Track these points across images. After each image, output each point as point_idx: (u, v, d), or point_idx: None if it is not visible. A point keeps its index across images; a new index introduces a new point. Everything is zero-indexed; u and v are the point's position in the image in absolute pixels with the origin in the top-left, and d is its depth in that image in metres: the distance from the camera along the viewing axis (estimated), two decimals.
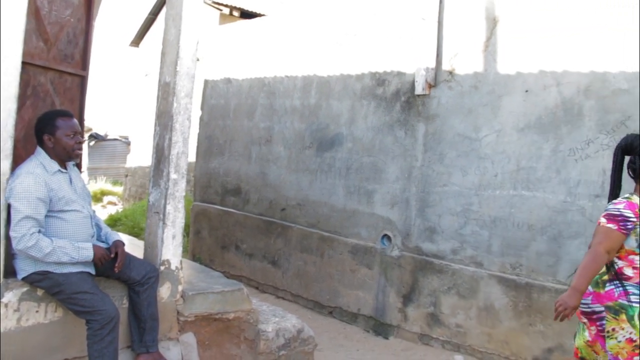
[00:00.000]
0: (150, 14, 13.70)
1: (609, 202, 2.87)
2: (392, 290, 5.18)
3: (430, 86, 5.01)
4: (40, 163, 2.91)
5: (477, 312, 4.65)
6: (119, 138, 23.46)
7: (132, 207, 11.73)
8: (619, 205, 2.72)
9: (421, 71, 5.03)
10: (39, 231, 2.79)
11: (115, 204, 14.83)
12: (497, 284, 4.54)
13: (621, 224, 2.65)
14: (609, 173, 3.98)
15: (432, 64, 4.99)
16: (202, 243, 7.45)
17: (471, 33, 4.78)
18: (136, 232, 8.23)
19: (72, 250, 2.86)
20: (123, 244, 3.15)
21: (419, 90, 5.04)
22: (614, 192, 2.92)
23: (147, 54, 14.03)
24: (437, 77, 4.99)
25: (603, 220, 2.71)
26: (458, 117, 4.82)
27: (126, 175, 14.93)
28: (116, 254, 3.07)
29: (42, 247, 2.75)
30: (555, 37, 4.32)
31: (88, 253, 2.93)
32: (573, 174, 4.21)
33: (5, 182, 2.79)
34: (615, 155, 2.93)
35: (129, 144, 18.10)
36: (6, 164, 2.79)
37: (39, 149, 2.97)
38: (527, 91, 4.46)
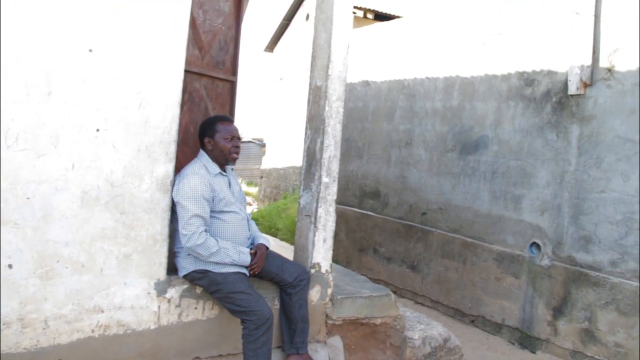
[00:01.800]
0: (284, 19, 14.05)
1: None
2: (541, 302, 4.90)
3: (586, 85, 4.68)
4: (203, 165, 3.03)
5: None
6: (253, 140, 24.35)
7: (267, 207, 12.08)
8: None
9: (575, 69, 4.71)
10: (205, 230, 2.91)
11: (250, 204, 15.40)
12: None
13: None
14: None
15: (588, 62, 4.66)
16: (339, 245, 7.50)
17: (633, 26, 4.39)
18: (272, 233, 8.45)
19: (234, 252, 2.96)
20: (266, 248, 3.20)
21: (572, 89, 4.73)
22: None
23: (281, 59, 14.42)
24: (594, 75, 4.65)
25: None
26: (618, 117, 4.45)
27: (261, 177, 15.44)
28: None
29: (209, 246, 2.87)
30: None
31: (247, 258, 3.01)
32: None
33: (169, 184, 2.93)
34: None
35: (263, 145, 18.71)
36: (170, 167, 2.93)
37: (202, 152, 3.11)
38: None
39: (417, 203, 6.31)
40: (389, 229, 6.68)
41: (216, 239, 2.92)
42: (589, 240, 4.58)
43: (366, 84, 7.33)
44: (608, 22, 4.59)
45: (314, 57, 3.56)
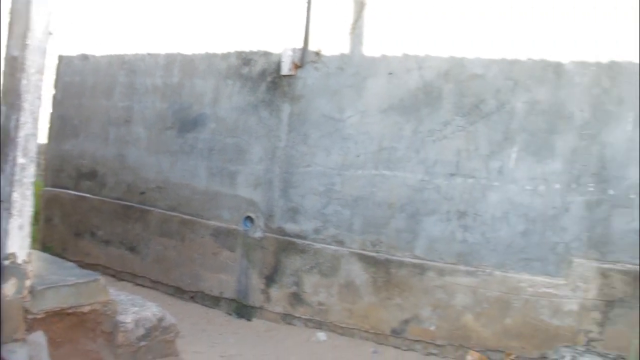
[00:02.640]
0: None
1: None
2: (255, 272, 5.12)
3: (297, 67, 5.01)
4: None
5: (338, 290, 4.72)
6: None
7: None
8: None
9: (288, 51, 5.01)
10: None
11: None
12: (357, 261, 4.64)
13: None
14: (463, 153, 4.28)
15: (300, 45, 5.00)
16: (54, 231, 6.90)
17: (339, 14, 4.84)
18: None
19: None
20: None
21: (285, 70, 5.02)
22: None
23: None
24: (304, 58, 5.00)
25: None
26: (323, 98, 4.86)
27: None
28: None
29: None
30: (419, 22, 4.50)
31: None
32: (431, 154, 4.40)
33: None
34: None
35: None
36: None
37: None
38: (390, 74, 4.60)
39: (135, 182, 6.11)
40: (107, 211, 6.35)
41: None
42: (297, 211, 4.93)
43: (85, 57, 6.86)
44: (318, 9, 4.97)
45: (10, 24, 3.18)
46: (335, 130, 4.78)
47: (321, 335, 4.69)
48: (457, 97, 4.33)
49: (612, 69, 3.92)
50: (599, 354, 3.86)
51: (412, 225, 4.46)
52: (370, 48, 4.69)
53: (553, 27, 4.08)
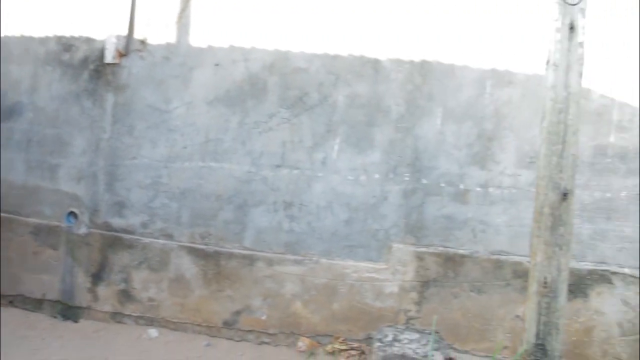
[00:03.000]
0: None
1: None
2: (81, 270, 4.86)
3: (121, 55, 4.79)
4: None
5: (168, 284, 4.62)
6: None
7: None
8: None
9: (112, 38, 4.77)
10: None
11: None
12: (187, 255, 4.57)
13: None
14: (288, 145, 4.36)
15: (124, 32, 4.79)
16: None
17: (166, 3, 4.69)
18: None
19: None
20: None
21: (108, 58, 4.78)
22: None
23: None
24: (129, 46, 4.79)
25: None
26: (149, 88, 4.70)
27: None
28: None
29: None
30: (245, 14, 4.48)
31: None
32: (257, 146, 4.43)
33: None
34: None
35: None
36: None
37: None
38: (217, 65, 4.55)
39: None
40: None
41: None
42: (123, 205, 4.74)
43: None
44: None
45: None
46: (161, 121, 4.65)
47: (152, 332, 4.57)
48: (282, 89, 4.39)
49: (424, 67, 4.19)
50: (417, 331, 4.14)
51: (240, 216, 4.47)
52: (197, 38, 4.61)
53: (372, 25, 4.26)
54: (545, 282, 2.95)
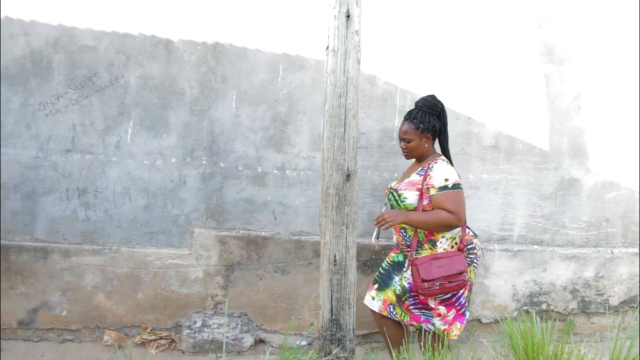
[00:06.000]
0: None
1: None
2: None
3: None
4: None
5: None
6: None
7: None
8: None
9: None
10: None
11: None
12: None
13: None
14: (79, 128, 4.07)
15: None
16: None
17: None
18: None
19: None
20: None
21: None
22: None
23: None
24: None
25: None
26: None
27: None
28: None
29: None
30: None
31: None
32: (44, 129, 4.09)
33: None
34: None
35: None
36: None
37: None
38: None
39: None
40: None
41: None
42: None
43: None
44: None
45: None
46: None
47: None
48: (69, 68, 4.06)
49: (217, 50, 4.08)
50: (226, 315, 4.13)
51: (30, 206, 4.13)
52: None
53: (164, 4, 4.06)
54: (335, 260, 3.05)
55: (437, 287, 3.03)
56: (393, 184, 3.35)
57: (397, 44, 4.12)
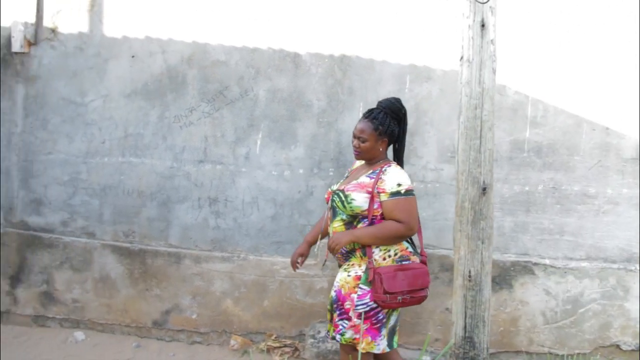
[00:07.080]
0: None
1: None
2: None
3: (30, 44, 4.51)
4: None
5: (93, 284, 4.48)
6: None
7: None
8: None
9: (19, 26, 4.47)
10: None
11: None
12: (111, 253, 4.43)
13: None
14: (210, 139, 4.23)
15: (33, 19, 4.49)
16: None
17: None
18: None
19: None
20: None
21: (16, 47, 4.49)
22: None
23: None
24: (38, 35, 4.51)
25: None
26: (62, 79, 4.46)
27: None
28: None
29: None
30: (161, 3, 4.28)
31: None
32: (178, 141, 4.29)
33: None
34: None
35: None
36: None
37: None
38: (133, 56, 4.34)
39: None
40: None
41: None
42: (41, 202, 4.54)
43: None
44: None
45: None
46: (77, 115, 4.43)
47: (79, 334, 4.44)
48: (202, 83, 4.24)
49: (343, 62, 4.11)
50: None
51: (164, 213, 4.35)
52: (111, 28, 4.37)
53: (291, 18, 4.15)
54: (470, 276, 2.97)
55: (399, 301, 2.89)
56: (335, 187, 3.14)
57: (528, 52, 3.96)
